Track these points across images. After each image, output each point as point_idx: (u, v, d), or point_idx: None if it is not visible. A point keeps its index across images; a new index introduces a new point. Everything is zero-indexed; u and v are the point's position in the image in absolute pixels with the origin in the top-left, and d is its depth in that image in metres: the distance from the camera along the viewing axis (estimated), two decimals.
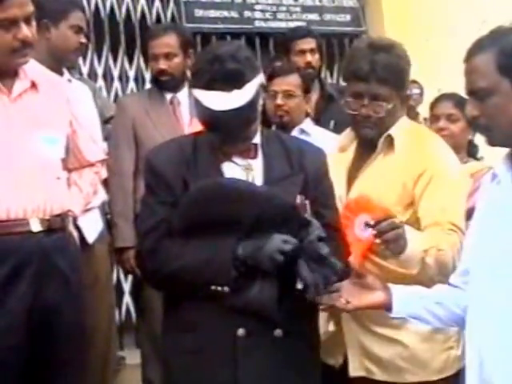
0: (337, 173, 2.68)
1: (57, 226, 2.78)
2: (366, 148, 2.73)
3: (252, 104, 2.37)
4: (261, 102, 2.43)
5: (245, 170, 2.46)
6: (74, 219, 2.97)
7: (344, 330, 2.73)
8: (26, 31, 2.68)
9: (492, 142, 2.03)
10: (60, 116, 2.89)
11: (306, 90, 4.02)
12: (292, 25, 5.73)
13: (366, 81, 2.62)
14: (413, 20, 5.99)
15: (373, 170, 2.70)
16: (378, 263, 2.63)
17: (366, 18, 6.12)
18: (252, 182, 2.45)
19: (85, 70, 5.16)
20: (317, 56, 4.59)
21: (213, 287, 2.33)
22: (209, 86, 2.33)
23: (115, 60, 5.34)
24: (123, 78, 5.32)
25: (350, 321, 2.71)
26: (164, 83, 4.09)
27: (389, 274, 2.55)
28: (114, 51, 5.32)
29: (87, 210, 3.46)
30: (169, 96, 4.11)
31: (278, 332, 2.39)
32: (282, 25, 5.77)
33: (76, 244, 2.92)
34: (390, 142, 2.68)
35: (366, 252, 2.59)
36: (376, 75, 2.61)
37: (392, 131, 2.68)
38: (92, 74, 5.19)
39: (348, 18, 6.07)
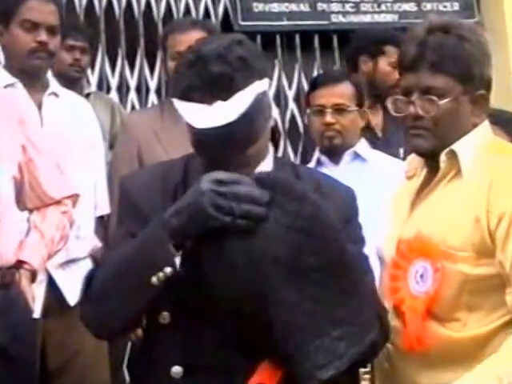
0: (399, 206, 2.32)
1: None
2: (433, 170, 2.26)
3: (248, 119, 1.96)
4: (270, 115, 2.02)
5: None
6: (33, 273, 2.58)
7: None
8: None
9: None
10: (4, 142, 2.56)
11: (360, 103, 3.39)
12: (379, 19, 5.14)
13: (414, 69, 2.17)
14: None
15: (434, 200, 2.25)
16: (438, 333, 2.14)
17: (481, 6, 5.35)
18: None
19: (93, 80, 4.60)
20: None
21: (154, 279, 1.92)
22: (185, 96, 1.98)
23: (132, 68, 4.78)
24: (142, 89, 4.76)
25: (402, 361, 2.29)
26: None
27: (452, 345, 2.11)
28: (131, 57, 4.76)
29: (70, 262, 3.08)
30: None
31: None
32: (367, 19, 5.13)
33: (27, 304, 2.54)
34: (456, 160, 2.22)
35: (424, 314, 2.12)
36: (426, 60, 2.15)
37: (457, 145, 2.18)
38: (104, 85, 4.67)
39: (456, 6, 5.32)
